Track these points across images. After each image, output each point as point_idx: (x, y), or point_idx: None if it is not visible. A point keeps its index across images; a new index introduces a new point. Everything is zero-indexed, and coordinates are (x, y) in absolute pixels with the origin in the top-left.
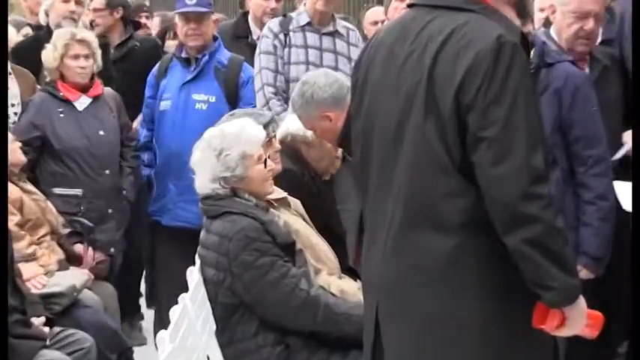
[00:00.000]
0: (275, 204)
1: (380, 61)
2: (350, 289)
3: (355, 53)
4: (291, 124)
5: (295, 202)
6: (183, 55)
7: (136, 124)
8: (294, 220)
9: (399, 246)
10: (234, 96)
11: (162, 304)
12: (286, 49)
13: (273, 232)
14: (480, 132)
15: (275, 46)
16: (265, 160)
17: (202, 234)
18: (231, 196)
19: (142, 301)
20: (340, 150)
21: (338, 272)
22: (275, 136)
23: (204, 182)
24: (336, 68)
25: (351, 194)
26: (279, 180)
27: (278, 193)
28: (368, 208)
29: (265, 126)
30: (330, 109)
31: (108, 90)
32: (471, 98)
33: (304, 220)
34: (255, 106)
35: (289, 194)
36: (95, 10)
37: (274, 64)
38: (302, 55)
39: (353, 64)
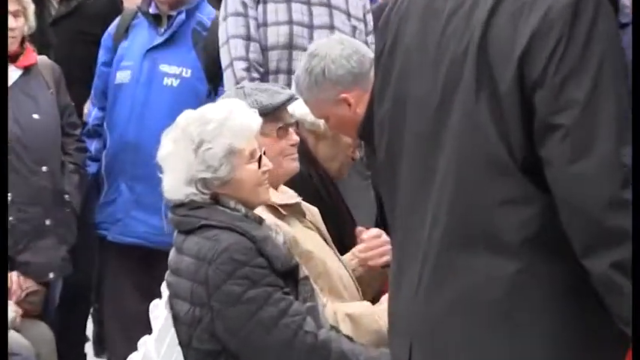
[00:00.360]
0: (283, 211)
1: (415, 20)
2: (363, 316)
3: (358, 7)
4: (295, 108)
5: (312, 211)
6: (152, 10)
7: (86, 109)
8: (306, 235)
9: (440, 273)
10: (216, 71)
11: (115, 351)
12: (260, 6)
13: (268, 254)
14: (552, 117)
15: (244, 4)
16: (260, 157)
17: (172, 255)
18: (213, 205)
19: (89, 348)
20: (357, 148)
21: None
22: (293, 123)
23: (176, 185)
24: (331, 28)
25: (363, 205)
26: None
27: (289, 196)
28: (396, 224)
29: (276, 109)
30: (349, 90)
31: (43, 59)
32: (539, 71)
33: (322, 235)
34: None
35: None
36: None
37: (245, 28)
38: (283, 13)
39: (354, 22)
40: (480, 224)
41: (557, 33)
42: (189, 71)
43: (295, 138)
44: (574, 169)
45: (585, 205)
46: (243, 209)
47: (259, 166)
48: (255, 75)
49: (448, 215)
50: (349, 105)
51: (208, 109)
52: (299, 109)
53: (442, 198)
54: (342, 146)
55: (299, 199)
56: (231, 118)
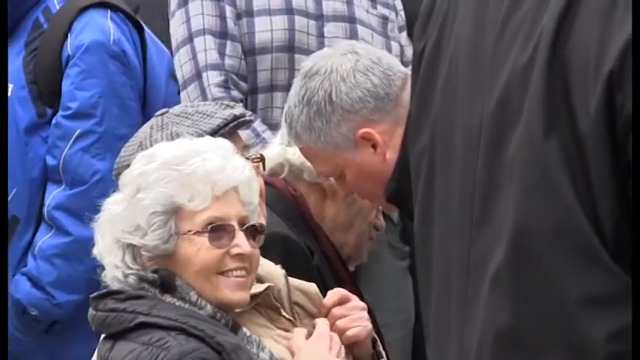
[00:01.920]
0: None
1: (466, 15)
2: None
3: None
4: (283, 145)
5: (307, 290)
6: None
7: None
8: (280, 349)
9: None
10: (52, 86)
11: None
12: None
13: None
14: None
15: None
16: (233, 232)
17: None
18: (157, 295)
19: None
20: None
21: None
22: (259, 159)
23: (103, 252)
24: (350, 21)
25: (400, 298)
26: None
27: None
28: (431, 316)
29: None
30: (372, 122)
31: None
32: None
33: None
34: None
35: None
36: None
37: (219, 19)
38: None
39: (382, 9)
40: (552, 327)
41: None
42: (11, 87)
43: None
44: None
45: None
46: (209, 306)
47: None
48: (235, 93)
49: (505, 314)
50: (374, 147)
51: (171, 143)
52: (292, 150)
53: (495, 290)
54: (361, 209)
55: (266, 285)
56: (187, 161)
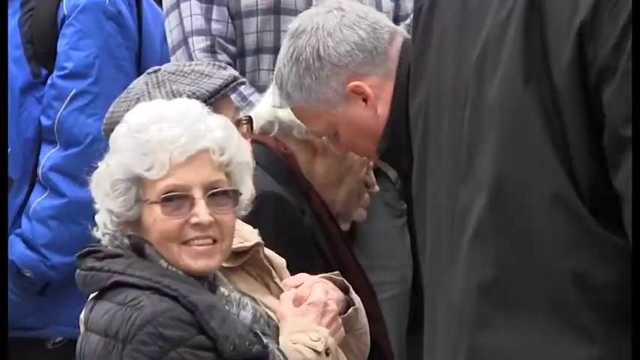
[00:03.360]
0: (226, 263)
1: None
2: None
3: None
4: (270, 108)
5: (278, 263)
6: None
7: None
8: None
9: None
10: (47, 46)
11: None
12: None
13: (214, 330)
14: (625, 127)
15: None
16: (193, 200)
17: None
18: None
19: None
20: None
21: None
22: (247, 121)
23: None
24: None
25: (396, 257)
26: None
27: (242, 234)
28: (425, 269)
29: (206, 102)
30: (362, 75)
31: None
32: (607, 53)
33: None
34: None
35: (268, 246)
36: None
37: None
38: None
39: None
40: (536, 278)
41: None
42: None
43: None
44: None
45: None
46: (180, 272)
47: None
48: (223, 57)
49: (490, 284)
50: (365, 100)
51: (140, 108)
52: (282, 111)
53: (481, 255)
54: (351, 166)
55: (256, 240)
56: (148, 128)
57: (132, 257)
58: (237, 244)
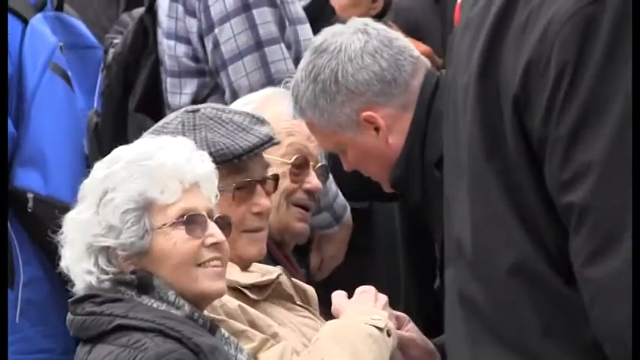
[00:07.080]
0: (253, 295)
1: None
2: None
3: None
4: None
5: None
6: None
7: None
8: (287, 332)
9: None
10: None
11: None
12: None
13: None
14: (563, 195)
15: None
16: (205, 222)
17: None
18: (134, 297)
19: None
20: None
21: None
22: (266, 179)
23: (72, 264)
24: None
25: None
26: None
27: (260, 269)
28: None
29: (237, 157)
30: (375, 106)
31: None
32: (539, 122)
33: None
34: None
35: None
36: None
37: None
38: None
39: None
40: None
41: (560, 60)
42: None
43: (264, 203)
44: (591, 274)
45: (614, 329)
46: (187, 306)
47: (204, 232)
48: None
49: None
50: (377, 130)
51: (130, 145)
52: None
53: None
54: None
55: (278, 272)
56: (154, 156)
57: (132, 301)
58: (259, 277)
